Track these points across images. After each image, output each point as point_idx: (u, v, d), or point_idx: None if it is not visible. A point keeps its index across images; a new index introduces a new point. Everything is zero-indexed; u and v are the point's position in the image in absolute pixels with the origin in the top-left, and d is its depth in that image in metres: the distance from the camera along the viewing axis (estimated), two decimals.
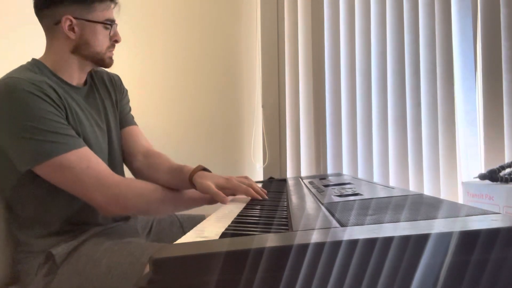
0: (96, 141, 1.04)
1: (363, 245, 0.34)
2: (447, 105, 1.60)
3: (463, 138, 1.58)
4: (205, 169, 1.06)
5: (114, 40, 1.06)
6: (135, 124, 1.26)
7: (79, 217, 1.00)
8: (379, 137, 1.80)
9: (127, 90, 1.26)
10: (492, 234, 0.34)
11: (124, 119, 1.22)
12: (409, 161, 1.69)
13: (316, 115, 1.96)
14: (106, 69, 1.17)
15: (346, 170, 1.88)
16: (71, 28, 0.98)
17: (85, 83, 1.10)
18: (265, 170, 2.05)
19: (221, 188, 0.97)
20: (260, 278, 0.33)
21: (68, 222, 0.98)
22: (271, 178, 1.74)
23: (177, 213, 1.34)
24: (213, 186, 0.96)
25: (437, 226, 0.38)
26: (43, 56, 1.03)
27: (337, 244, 0.34)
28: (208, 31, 2.12)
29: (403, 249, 0.34)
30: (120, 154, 1.18)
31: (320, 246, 0.34)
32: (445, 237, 0.34)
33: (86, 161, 0.91)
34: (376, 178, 1.79)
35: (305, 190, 0.97)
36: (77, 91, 1.05)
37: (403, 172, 1.72)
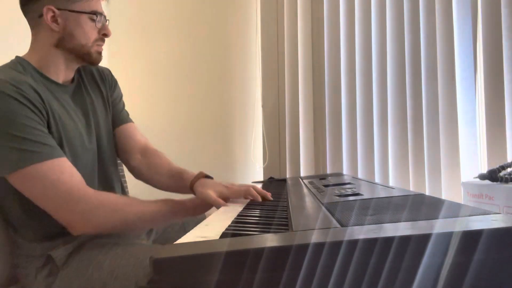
0: (82, 143, 0.98)
1: (363, 245, 0.34)
2: (448, 105, 1.60)
3: (463, 138, 1.58)
4: (207, 176, 1.03)
5: (103, 34, 1.00)
6: (130, 121, 1.20)
7: None
8: (379, 137, 1.80)
9: (116, 82, 1.19)
10: (492, 234, 0.34)
11: (118, 117, 1.17)
12: (410, 161, 1.69)
13: (316, 115, 1.96)
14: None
15: (346, 170, 1.88)
16: (54, 20, 0.93)
17: (73, 80, 1.04)
18: (265, 170, 2.05)
19: (221, 195, 0.93)
20: (260, 278, 0.33)
21: (62, 225, 0.94)
22: (271, 178, 1.74)
23: None
24: (212, 194, 0.92)
25: (437, 226, 0.38)
26: (27, 53, 0.98)
27: (337, 244, 0.34)
28: (208, 31, 2.12)
29: (404, 249, 0.34)
30: (113, 153, 1.12)
31: (320, 246, 0.34)
32: (445, 237, 0.34)
33: (59, 172, 0.84)
34: (376, 178, 1.79)
35: (305, 190, 0.97)
36: (63, 89, 0.99)
37: (403, 172, 1.72)
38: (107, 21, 1.02)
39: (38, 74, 0.95)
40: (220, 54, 2.12)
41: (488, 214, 0.43)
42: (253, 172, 2.08)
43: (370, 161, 1.81)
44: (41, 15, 0.93)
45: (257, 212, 0.75)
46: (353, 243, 0.34)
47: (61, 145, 0.91)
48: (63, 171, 0.86)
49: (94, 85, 1.10)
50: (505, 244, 0.34)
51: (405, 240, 0.34)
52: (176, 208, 0.97)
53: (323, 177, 1.38)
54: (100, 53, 1.01)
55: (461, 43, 1.58)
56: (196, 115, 2.10)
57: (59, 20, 0.93)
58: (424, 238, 0.34)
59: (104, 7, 1.02)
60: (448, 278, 0.33)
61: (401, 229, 0.38)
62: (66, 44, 0.95)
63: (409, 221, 0.44)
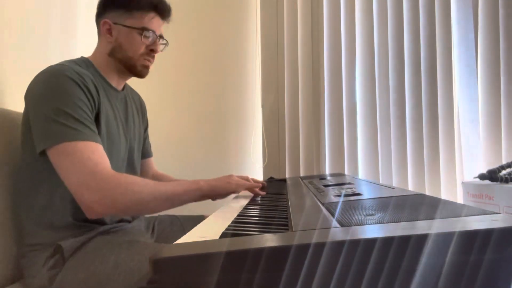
0: (119, 142, 1.06)
1: (363, 245, 0.34)
2: (448, 104, 1.60)
3: (464, 138, 1.57)
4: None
5: (151, 50, 1.09)
6: (151, 155, 1.35)
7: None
8: (379, 136, 1.80)
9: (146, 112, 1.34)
10: (492, 234, 0.34)
11: (147, 149, 1.32)
12: (409, 161, 1.69)
13: (315, 115, 1.96)
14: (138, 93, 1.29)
15: (346, 170, 1.88)
16: (109, 32, 1.06)
17: (123, 89, 1.17)
18: (265, 170, 2.05)
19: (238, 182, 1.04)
20: (260, 278, 0.33)
21: (77, 216, 0.97)
22: (271, 178, 1.74)
23: (177, 214, 1.35)
24: (232, 179, 1.03)
25: (437, 226, 0.38)
26: (91, 55, 1.10)
27: (337, 244, 0.34)
28: (208, 31, 2.12)
29: (403, 249, 0.34)
30: (138, 166, 1.21)
31: (320, 246, 0.34)
32: (445, 237, 0.34)
33: (90, 152, 0.88)
34: (376, 178, 1.79)
35: (305, 190, 0.97)
36: (114, 92, 1.10)
37: (403, 172, 1.72)
38: (165, 41, 1.15)
39: (97, 73, 1.06)
40: (220, 54, 2.12)
41: (488, 214, 0.43)
42: (253, 172, 2.08)
43: (369, 161, 1.81)
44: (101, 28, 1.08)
45: (257, 212, 0.75)
46: (353, 243, 0.34)
47: (102, 137, 0.97)
48: (94, 152, 0.89)
49: (136, 108, 1.23)
50: (505, 244, 0.34)
51: (405, 240, 0.34)
52: (190, 187, 0.98)
53: (323, 177, 1.38)
54: (146, 67, 1.11)
55: (461, 43, 1.58)
56: (196, 115, 2.10)
57: (113, 32, 1.06)
58: (424, 238, 0.34)
59: (164, 28, 1.15)
60: (448, 278, 0.33)
61: (401, 229, 0.38)
62: (116, 54, 1.07)
63: (409, 221, 0.44)
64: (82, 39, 1.66)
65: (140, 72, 1.11)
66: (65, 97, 0.90)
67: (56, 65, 0.96)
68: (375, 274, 0.33)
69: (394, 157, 1.74)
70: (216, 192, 1.02)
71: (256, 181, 1.13)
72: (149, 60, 1.11)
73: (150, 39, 1.08)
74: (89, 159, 0.87)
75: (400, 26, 1.73)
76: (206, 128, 2.10)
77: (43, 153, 0.90)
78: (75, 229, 0.97)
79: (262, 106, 2.07)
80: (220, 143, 2.09)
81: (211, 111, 2.10)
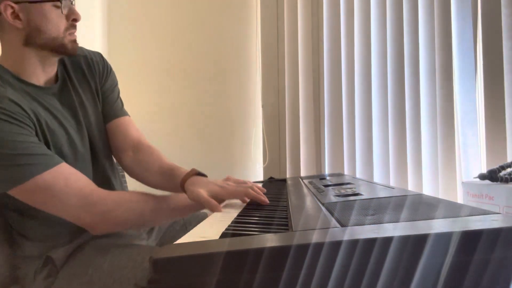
0: (74, 150, 0.94)
1: (363, 245, 0.34)
2: (447, 105, 1.60)
3: (463, 138, 1.57)
4: (199, 173, 0.96)
5: (73, 20, 0.90)
6: (124, 114, 1.09)
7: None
8: (378, 137, 1.80)
9: (109, 68, 1.08)
10: (492, 234, 0.34)
11: (111, 110, 1.07)
12: (408, 161, 1.69)
13: (316, 115, 1.96)
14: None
15: (346, 170, 1.88)
16: (15, 16, 0.84)
17: (57, 79, 0.96)
18: (265, 170, 2.05)
19: (214, 195, 0.85)
20: (260, 278, 0.33)
21: (66, 227, 0.94)
22: (271, 178, 1.74)
23: None
24: (204, 194, 0.84)
25: (437, 226, 0.38)
26: (0, 58, 0.90)
27: (337, 244, 0.34)
28: (208, 31, 2.12)
29: (403, 249, 0.34)
30: (108, 153, 1.06)
31: (320, 246, 0.34)
32: (445, 237, 0.34)
33: (63, 179, 0.83)
34: (376, 178, 1.79)
35: (305, 190, 0.97)
36: (46, 91, 0.92)
37: (402, 172, 1.72)
38: (73, 3, 0.92)
39: (16, 80, 0.87)
40: (220, 54, 2.12)
41: (488, 214, 0.43)
42: (253, 172, 2.08)
43: (369, 161, 1.82)
44: (0, 14, 0.84)
45: (257, 212, 0.75)
46: (353, 243, 0.34)
47: (53, 151, 0.88)
48: (67, 177, 0.84)
49: (82, 79, 1.01)
50: (505, 244, 0.34)
51: (405, 240, 0.34)
52: (192, 204, 0.91)
53: (323, 177, 1.38)
54: (75, 41, 0.92)
55: (461, 44, 1.58)
56: (196, 115, 2.10)
57: (21, 15, 0.84)
58: (424, 238, 0.34)
59: None
60: (448, 278, 0.33)
61: (401, 229, 0.38)
62: (35, 40, 0.87)
63: (409, 221, 0.44)
64: None
65: (72, 50, 0.91)
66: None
67: None
68: (375, 274, 0.33)
69: (394, 157, 1.74)
70: (187, 212, 1.00)
71: (258, 188, 0.96)
72: (73, 32, 0.91)
73: (68, 8, 0.89)
74: (68, 186, 0.82)
75: (399, 26, 1.73)
76: (207, 128, 2.09)
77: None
78: (63, 237, 0.94)
79: (262, 106, 2.07)
80: (220, 143, 2.09)
81: (211, 111, 2.10)
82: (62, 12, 0.87)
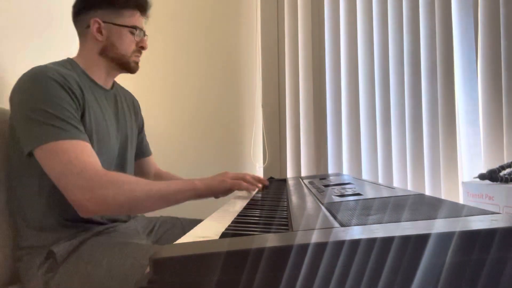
0: (108, 140, 1.05)
1: (364, 245, 0.34)
2: (448, 105, 1.60)
3: (464, 138, 1.57)
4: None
5: (140, 46, 1.12)
6: (150, 154, 1.36)
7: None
8: (379, 137, 1.80)
9: (140, 111, 1.33)
10: (492, 234, 0.34)
11: (142, 147, 1.32)
12: (409, 161, 1.69)
13: (316, 115, 1.96)
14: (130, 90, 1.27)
15: (346, 170, 1.88)
16: (99, 31, 1.07)
17: (112, 88, 1.17)
18: (265, 170, 2.05)
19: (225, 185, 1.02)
20: (260, 278, 0.33)
21: (69, 217, 0.97)
22: (271, 178, 1.74)
23: (179, 217, 1.35)
24: (227, 178, 1.02)
25: (437, 226, 0.38)
26: (76, 56, 1.10)
27: (337, 244, 0.34)
28: (208, 31, 2.12)
29: (404, 249, 0.34)
30: (132, 164, 1.21)
31: (320, 246, 0.34)
32: (445, 237, 0.34)
33: (79, 151, 0.88)
34: (376, 178, 1.79)
35: (305, 190, 0.97)
36: (102, 91, 1.10)
37: (403, 172, 1.72)
38: (146, 36, 1.14)
39: (84, 74, 1.06)
40: (220, 54, 2.12)
41: (488, 214, 0.43)
42: (253, 172, 2.08)
43: (369, 161, 1.81)
44: (88, 26, 1.07)
45: (257, 212, 0.75)
46: (353, 243, 0.34)
47: (90, 136, 0.97)
48: (83, 151, 0.89)
49: (127, 106, 1.22)
50: (505, 244, 0.34)
51: (405, 240, 0.34)
52: (185, 187, 0.98)
53: (323, 177, 1.38)
54: (137, 63, 1.14)
55: (462, 44, 1.58)
56: (196, 115, 2.10)
57: (104, 31, 1.07)
58: (424, 238, 0.34)
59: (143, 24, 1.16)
60: (448, 278, 0.33)
61: (401, 229, 0.38)
62: (108, 52, 1.08)
63: (409, 221, 0.44)
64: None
65: (133, 68, 1.13)
66: (48, 98, 0.89)
67: (39, 66, 0.96)
68: (375, 274, 0.33)
69: (394, 157, 1.74)
70: (211, 191, 1.01)
71: (255, 179, 1.13)
72: (138, 56, 1.14)
73: (139, 37, 1.12)
74: (77, 158, 0.87)
75: (400, 26, 1.73)
76: (206, 128, 2.09)
77: (31, 155, 0.89)
78: (67, 230, 0.96)
79: (262, 106, 2.07)
80: (220, 143, 2.09)
81: (211, 111, 2.10)
82: (134, 38, 1.10)
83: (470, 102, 1.57)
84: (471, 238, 0.34)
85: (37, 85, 0.91)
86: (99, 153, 0.96)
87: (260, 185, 1.10)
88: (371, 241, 0.34)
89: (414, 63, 1.69)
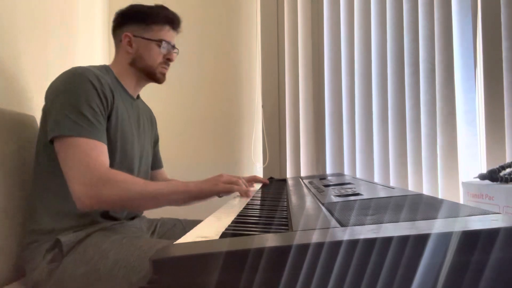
0: (133, 141, 1.12)
1: (363, 245, 0.34)
2: (447, 105, 1.60)
3: (463, 138, 1.57)
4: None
5: (167, 58, 1.20)
6: (162, 166, 1.43)
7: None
8: (378, 137, 1.80)
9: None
10: (492, 234, 0.34)
11: (156, 159, 1.39)
12: (408, 161, 1.69)
13: (316, 115, 1.96)
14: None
15: (346, 170, 1.88)
16: (130, 44, 1.16)
17: (137, 98, 1.26)
18: (265, 170, 2.05)
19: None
20: (260, 278, 0.33)
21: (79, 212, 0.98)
22: (271, 178, 1.74)
23: (180, 218, 1.35)
24: (219, 180, 1.03)
25: (437, 226, 0.38)
26: (111, 64, 1.20)
27: (337, 244, 0.34)
28: (208, 31, 2.12)
29: (403, 249, 0.34)
30: (148, 170, 1.27)
31: (320, 246, 0.34)
32: (445, 237, 0.34)
33: (90, 149, 0.94)
34: (376, 178, 1.79)
35: (305, 190, 0.97)
36: (129, 99, 1.18)
37: (402, 172, 1.72)
38: (176, 50, 1.24)
39: (116, 80, 1.16)
40: (220, 54, 2.12)
41: (488, 214, 0.43)
42: (253, 172, 2.08)
43: (369, 161, 1.81)
44: (121, 40, 1.17)
45: (257, 212, 0.75)
46: (353, 243, 0.34)
47: (115, 135, 1.04)
48: (94, 149, 0.94)
49: (146, 119, 1.30)
50: (505, 244, 0.34)
51: (404, 240, 0.34)
52: (178, 189, 1.00)
53: (323, 177, 1.39)
54: (163, 74, 1.22)
55: (461, 44, 1.58)
56: (196, 115, 2.10)
57: (134, 44, 1.16)
58: (424, 238, 0.34)
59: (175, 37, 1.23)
60: (448, 278, 0.33)
61: (401, 229, 0.38)
62: (137, 63, 1.17)
63: (409, 221, 0.44)
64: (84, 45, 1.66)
65: (160, 79, 1.21)
66: (81, 96, 0.96)
67: (80, 67, 1.03)
68: (375, 274, 0.33)
69: (394, 157, 1.74)
70: (203, 194, 1.02)
71: (248, 180, 1.21)
72: (165, 68, 1.21)
73: (166, 50, 1.19)
74: (87, 155, 0.93)
75: (400, 26, 1.73)
76: (207, 129, 2.10)
77: (52, 142, 0.96)
78: (76, 220, 0.99)
79: (262, 106, 2.07)
80: (220, 144, 2.09)
81: (211, 111, 2.10)
82: (161, 51, 1.18)
83: (469, 102, 1.57)
84: (471, 238, 0.34)
85: (74, 82, 0.98)
86: (124, 152, 1.06)
87: (250, 193, 1.07)
88: (371, 241, 0.34)
89: (414, 63, 1.69)
